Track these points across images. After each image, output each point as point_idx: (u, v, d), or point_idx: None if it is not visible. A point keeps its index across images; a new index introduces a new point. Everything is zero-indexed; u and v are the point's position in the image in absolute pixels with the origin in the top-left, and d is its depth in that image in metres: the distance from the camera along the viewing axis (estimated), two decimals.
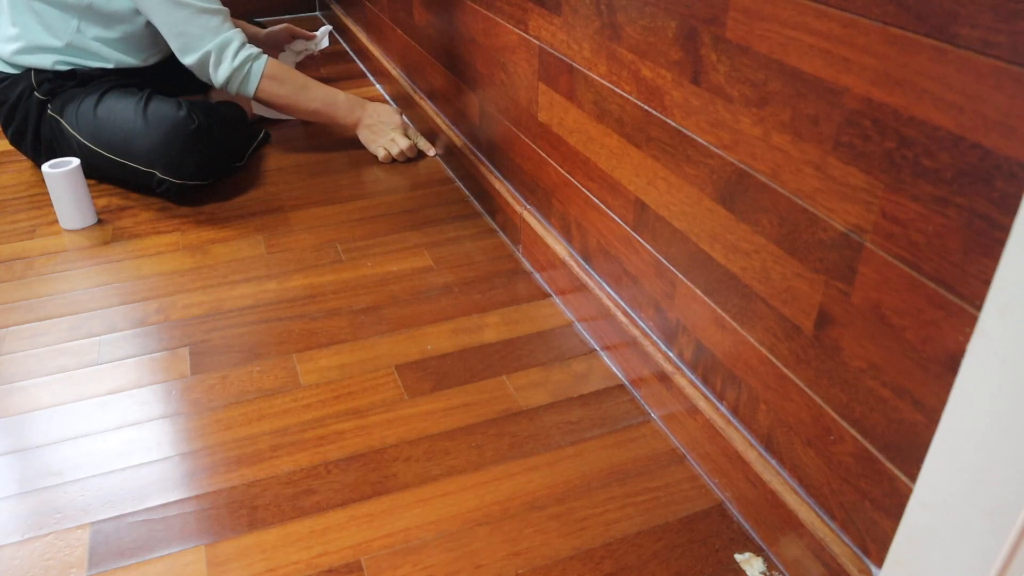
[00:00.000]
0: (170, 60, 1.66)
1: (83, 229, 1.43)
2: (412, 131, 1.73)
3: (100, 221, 1.46)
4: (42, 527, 0.85)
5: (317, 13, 2.80)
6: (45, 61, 1.52)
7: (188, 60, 1.50)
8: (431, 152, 1.71)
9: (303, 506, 0.87)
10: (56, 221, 1.45)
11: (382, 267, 1.30)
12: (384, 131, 1.68)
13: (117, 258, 1.34)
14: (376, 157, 1.69)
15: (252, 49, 1.53)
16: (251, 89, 1.55)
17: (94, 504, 0.87)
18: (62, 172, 1.38)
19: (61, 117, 1.52)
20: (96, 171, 1.53)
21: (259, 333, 1.14)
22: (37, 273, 1.30)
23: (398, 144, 1.67)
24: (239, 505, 0.87)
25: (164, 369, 1.07)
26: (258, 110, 1.85)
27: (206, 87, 1.84)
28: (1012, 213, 0.50)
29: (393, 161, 1.69)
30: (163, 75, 1.68)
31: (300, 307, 1.20)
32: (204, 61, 1.50)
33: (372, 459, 0.92)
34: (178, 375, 1.06)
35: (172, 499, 0.88)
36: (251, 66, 1.52)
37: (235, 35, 1.51)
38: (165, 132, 1.44)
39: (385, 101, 2.01)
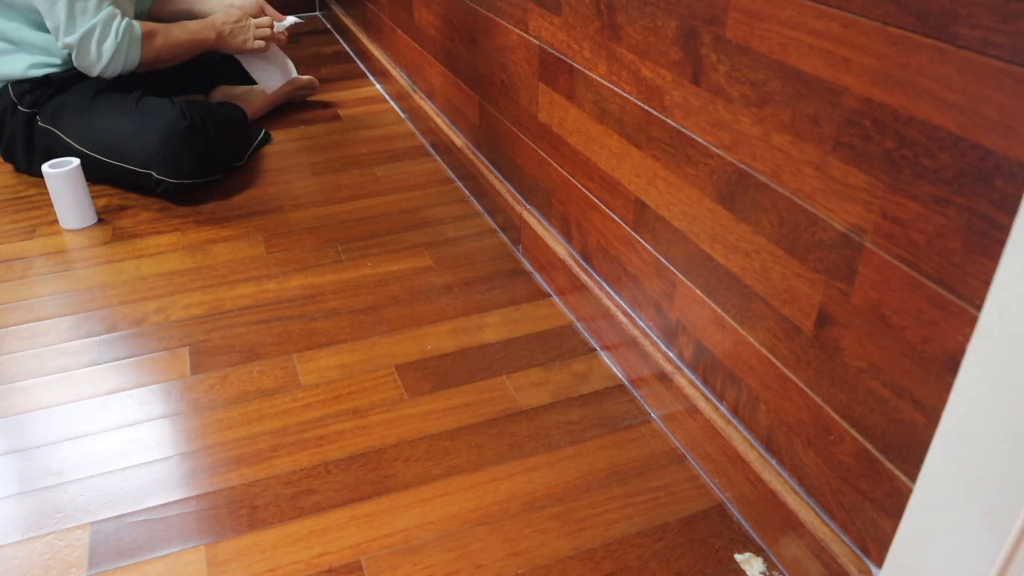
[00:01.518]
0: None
1: (83, 229, 1.43)
2: (267, 7, 1.78)
3: (100, 221, 1.46)
4: (42, 527, 0.85)
5: (317, 13, 2.80)
6: (16, 67, 1.50)
7: (69, 39, 1.43)
8: (290, 21, 1.78)
9: (303, 506, 0.87)
10: (56, 221, 1.45)
11: (382, 267, 1.30)
12: (242, 29, 1.71)
13: (117, 258, 1.34)
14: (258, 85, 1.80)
15: (123, 19, 1.48)
16: (134, 60, 1.50)
17: (94, 504, 0.87)
18: (62, 172, 1.38)
19: (54, 127, 1.50)
20: (95, 175, 1.53)
21: (259, 333, 1.14)
22: (37, 273, 1.30)
23: (260, 34, 1.72)
24: (239, 505, 0.87)
25: (164, 369, 1.07)
26: (262, 82, 1.81)
27: (206, 89, 1.84)
28: (1012, 213, 0.50)
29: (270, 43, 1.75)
30: (152, 78, 1.66)
31: (300, 307, 1.20)
32: (87, 38, 1.43)
33: (372, 459, 0.92)
34: (178, 375, 1.06)
35: (172, 499, 0.88)
36: (128, 36, 1.47)
37: (114, 13, 1.46)
38: (158, 131, 1.43)
39: (385, 102, 2.01)
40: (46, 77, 1.52)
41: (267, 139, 1.77)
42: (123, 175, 1.49)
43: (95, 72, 1.48)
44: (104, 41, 1.45)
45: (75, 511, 0.87)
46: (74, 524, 0.85)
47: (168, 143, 1.43)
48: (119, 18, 1.47)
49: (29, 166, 1.59)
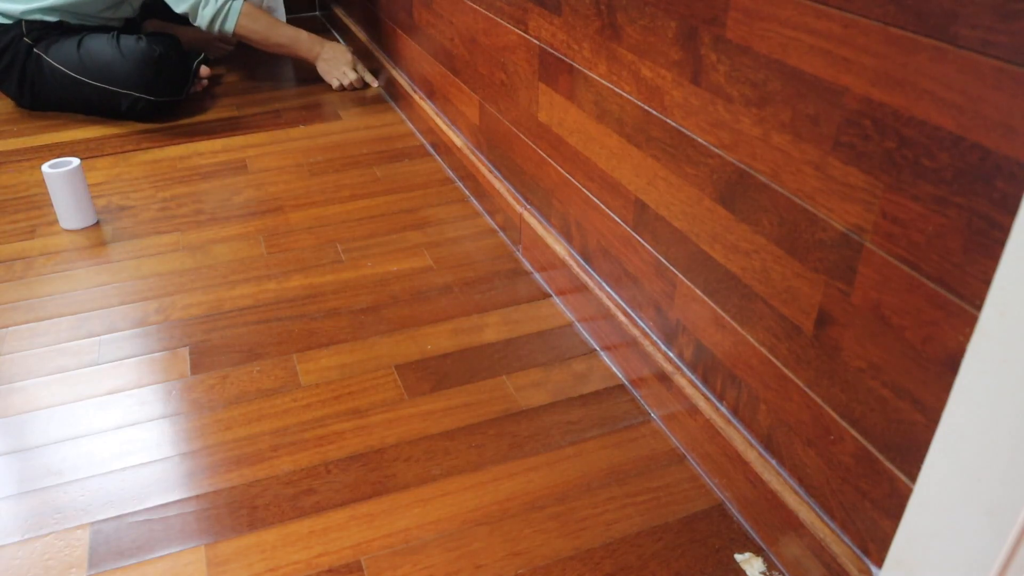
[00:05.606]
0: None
1: (83, 229, 1.43)
2: (360, 67, 2.12)
3: (100, 221, 1.46)
4: (42, 527, 0.85)
5: (317, 13, 2.80)
6: (36, 14, 1.83)
7: (181, 7, 1.87)
8: (375, 84, 2.10)
9: (303, 506, 0.87)
10: (56, 221, 1.45)
11: (382, 267, 1.30)
12: (338, 65, 2.09)
13: (117, 258, 1.34)
14: (330, 87, 2.10)
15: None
16: (230, 26, 1.91)
17: (94, 504, 0.87)
18: (62, 172, 1.38)
19: (46, 54, 1.84)
20: (76, 95, 1.85)
21: (259, 333, 1.14)
22: (37, 273, 1.30)
23: (348, 76, 2.08)
24: (239, 505, 0.87)
25: (164, 369, 1.07)
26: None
27: (139, 26, 2.16)
28: (1012, 213, 0.50)
29: (343, 89, 2.09)
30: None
31: (300, 307, 1.20)
32: (196, 3, 1.87)
33: (372, 459, 0.92)
34: (178, 375, 1.06)
35: (172, 499, 0.88)
36: (230, 6, 1.89)
37: None
38: (138, 60, 1.81)
39: (385, 102, 2.01)
40: (59, 22, 1.86)
41: (205, 60, 2.03)
42: (100, 96, 1.83)
43: (198, 24, 1.90)
44: (205, 7, 1.87)
45: (75, 511, 0.87)
46: (74, 524, 0.85)
47: (146, 69, 1.81)
48: None
49: (19, 92, 1.90)
